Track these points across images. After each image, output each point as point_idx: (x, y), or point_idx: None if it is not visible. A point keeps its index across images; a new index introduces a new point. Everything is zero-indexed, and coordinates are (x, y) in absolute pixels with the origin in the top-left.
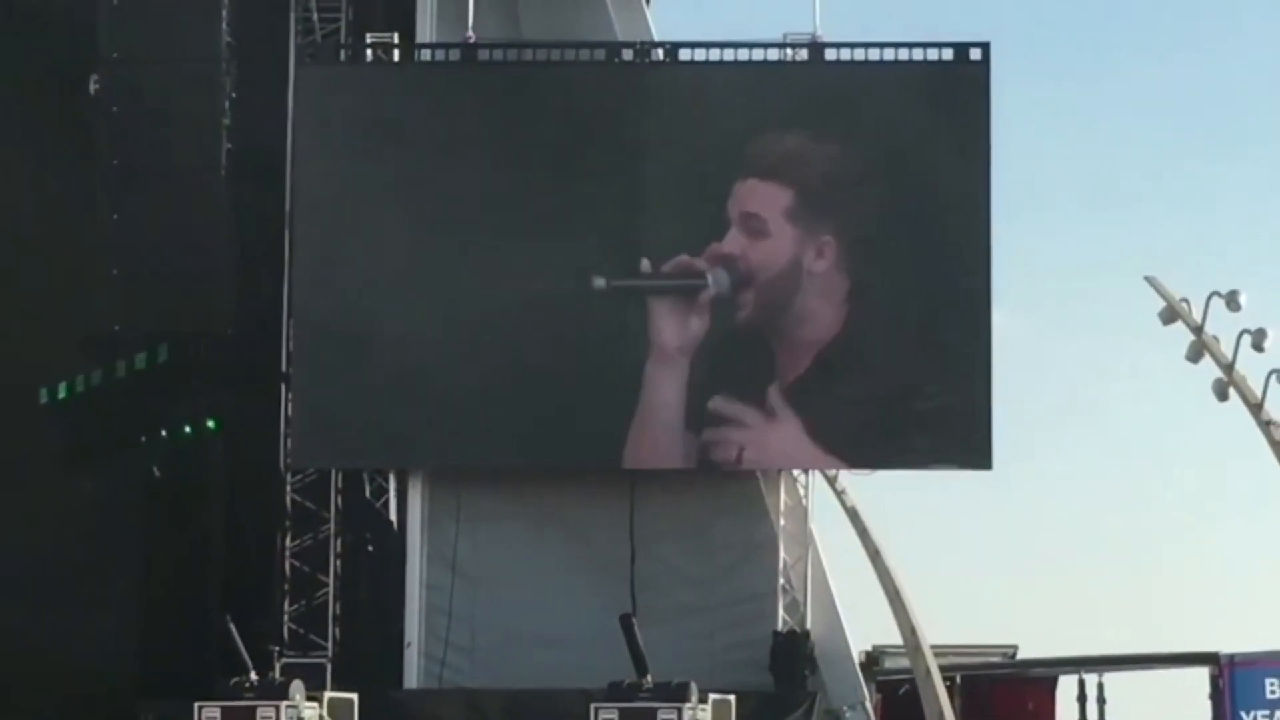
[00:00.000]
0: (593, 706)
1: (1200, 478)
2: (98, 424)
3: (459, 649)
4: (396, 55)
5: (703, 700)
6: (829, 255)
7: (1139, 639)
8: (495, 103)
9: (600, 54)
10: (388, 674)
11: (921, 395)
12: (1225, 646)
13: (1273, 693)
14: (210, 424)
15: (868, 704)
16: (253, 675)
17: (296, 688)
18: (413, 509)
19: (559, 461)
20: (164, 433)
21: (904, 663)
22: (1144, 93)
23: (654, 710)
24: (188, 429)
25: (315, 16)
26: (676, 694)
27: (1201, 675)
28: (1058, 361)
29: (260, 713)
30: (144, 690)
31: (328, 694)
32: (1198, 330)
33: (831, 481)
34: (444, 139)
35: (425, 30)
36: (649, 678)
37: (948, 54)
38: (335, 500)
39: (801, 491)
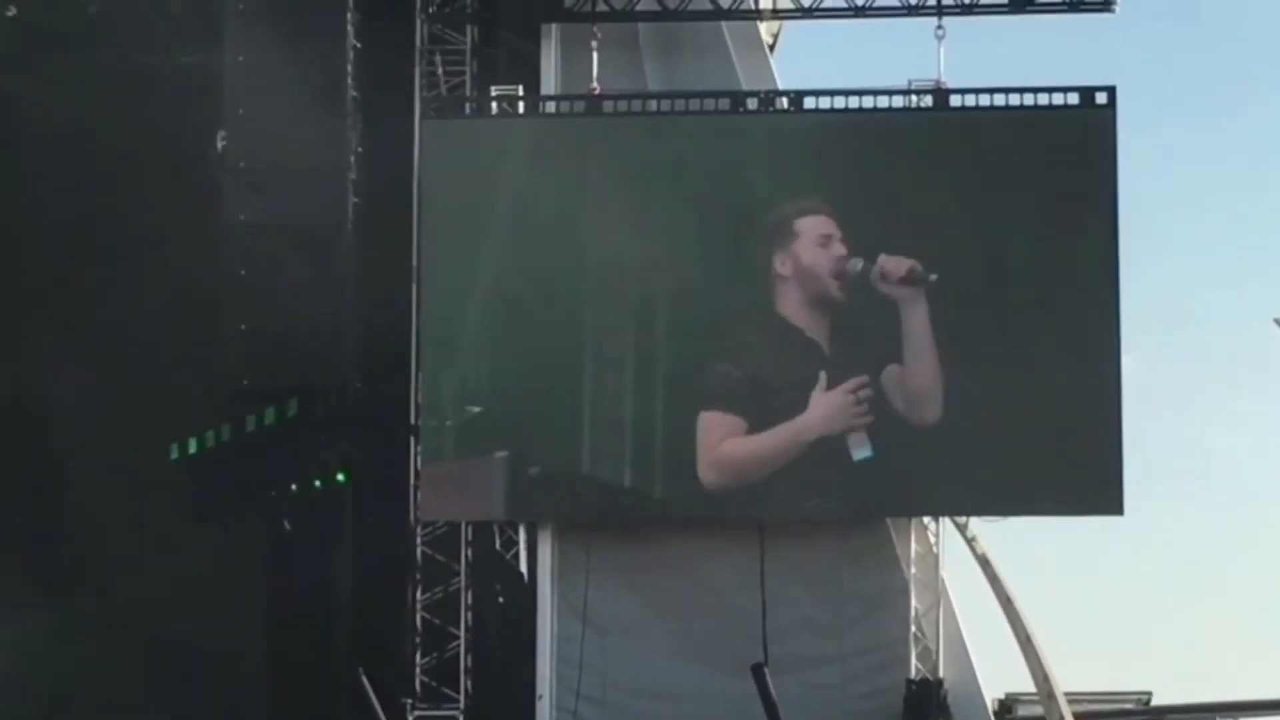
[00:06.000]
0: None
1: None
2: (228, 479)
3: (590, 700)
4: (521, 108)
5: None
6: None
7: (1276, 684)
8: (624, 152)
9: (725, 103)
10: None
11: (1051, 441)
12: None
13: None
14: (340, 477)
15: None
16: None
17: None
18: (542, 560)
19: (690, 512)
20: (293, 486)
21: (1037, 710)
22: (1271, 130)
23: None
24: (317, 482)
25: (440, 70)
26: None
27: None
28: (1186, 406)
29: None
30: None
31: None
32: None
33: (962, 529)
34: (572, 190)
35: (549, 82)
36: None
37: (1073, 98)
38: (465, 552)
39: (932, 539)
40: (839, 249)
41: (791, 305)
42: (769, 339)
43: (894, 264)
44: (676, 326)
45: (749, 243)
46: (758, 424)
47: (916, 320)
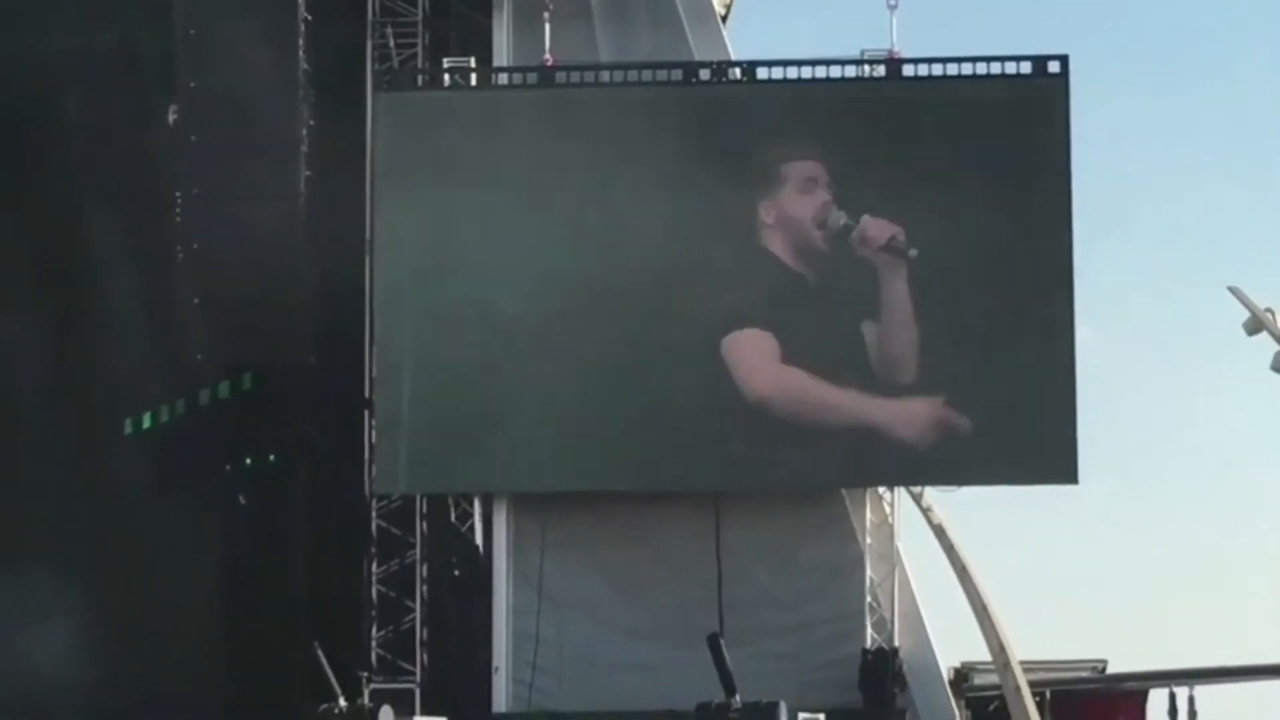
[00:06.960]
0: None
1: None
2: (182, 453)
3: (546, 672)
4: (474, 80)
5: None
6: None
7: (1230, 651)
8: (574, 124)
9: (677, 74)
10: (476, 698)
11: (1005, 410)
12: None
13: None
14: (294, 451)
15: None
16: (341, 701)
17: (385, 713)
18: (498, 533)
19: (646, 485)
20: (249, 460)
21: (993, 679)
22: (1226, 103)
23: None
24: (272, 457)
25: (392, 43)
26: (765, 714)
27: None
28: (1141, 375)
29: None
30: (232, 718)
31: (417, 719)
32: None
33: (917, 498)
34: (525, 163)
35: (502, 54)
36: (737, 698)
37: (1026, 67)
38: (420, 526)
39: (887, 509)
40: (823, 195)
41: (778, 248)
42: (758, 271)
43: (877, 229)
44: (655, 281)
45: (733, 191)
46: (786, 341)
47: (897, 288)
